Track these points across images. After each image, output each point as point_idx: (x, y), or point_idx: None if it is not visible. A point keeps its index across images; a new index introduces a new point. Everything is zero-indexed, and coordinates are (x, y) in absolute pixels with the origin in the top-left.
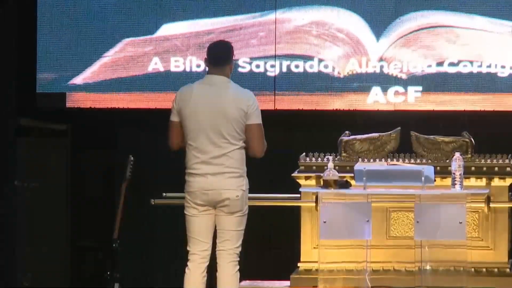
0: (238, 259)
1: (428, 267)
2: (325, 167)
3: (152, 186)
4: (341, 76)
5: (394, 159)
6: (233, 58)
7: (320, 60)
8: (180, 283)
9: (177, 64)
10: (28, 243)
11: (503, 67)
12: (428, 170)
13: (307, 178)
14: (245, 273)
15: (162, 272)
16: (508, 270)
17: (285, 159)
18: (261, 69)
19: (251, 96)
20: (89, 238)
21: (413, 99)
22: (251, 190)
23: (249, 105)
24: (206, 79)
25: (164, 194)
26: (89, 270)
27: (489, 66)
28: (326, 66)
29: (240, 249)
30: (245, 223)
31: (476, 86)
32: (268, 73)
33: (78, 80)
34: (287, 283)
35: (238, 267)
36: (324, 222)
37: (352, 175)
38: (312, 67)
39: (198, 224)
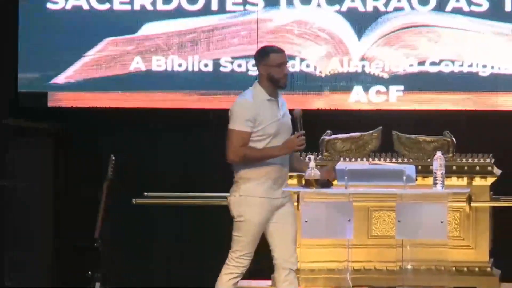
0: (230, 262)
1: (409, 267)
2: (308, 168)
3: (135, 185)
4: (323, 75)
5: (376, 159)
6: (264, 61)
7: (302, 60)
8: (161, 283)
9: (159, 64)
10: (12, 242)
11: (484, 66)
12: (409, 169)
13: (288, 177)
14: None
15: (144, 272)
16: (489, 269)
17: None
18: (243, 69)
19: (235, 101)
20: (71, 237)
21: (394, 99)
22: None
23: (229, 109)
24: None
25: (145, 193)
26: (71, 270)
27: (470, 66)
28: (307, 66)
29: (235, 254)
30: (240, 230)
31: (457, 85)
32: (250, 73)
33: (60, 79)
34: (269, 282)
35: (227, 269)
36: (306, 221)
37: None
38: (294, 66)
39: None
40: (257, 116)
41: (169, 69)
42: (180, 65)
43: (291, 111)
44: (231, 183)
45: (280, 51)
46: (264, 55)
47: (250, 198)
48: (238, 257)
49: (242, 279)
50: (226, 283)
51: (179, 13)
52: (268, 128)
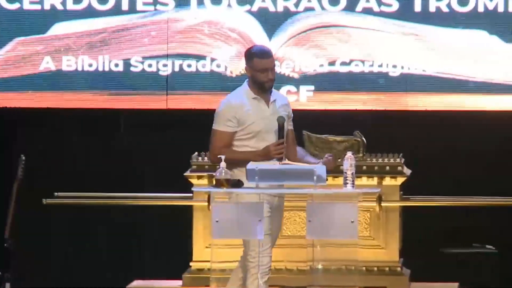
0: (248, 263)
1: (320, 266)
2: (218, 166)
3: (46, 185)
4: (234, 75)
5: (286, 159)
6: (248, 63)
7: (213, 60)
8: (74, 283)
9: (69, 64)
10: None
11: (394, 66)
12: (320, 169)
13: (199, 177)
14: (137, 272)
15: (55, 272)
16: (399, 269)
17: (177, 158)
18: (153, 69)
19: (220, 102)
20: None
21: (305, 99)
22: (144, 190)
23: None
24: None
25: (55, 193)
26: None
27: (380, 66)
28: (218, 66)
29: (249, 256)
30: None
31: (367, 85)
32: (161, 73)
33: None
34: (179, 282)
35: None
36: (217, 221)
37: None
38: (205, 66)
39: None
40: (239, 116)
41: (79, 69)
42: (90, 65)
43: None
44: (141, 183)
45: (265, 56)
46: (249, 57)
47: (243, 195)
48: (251, 256)
49: (154, 279)
50: (251, 283)
51: (90, 13)
52: (253, 126)
